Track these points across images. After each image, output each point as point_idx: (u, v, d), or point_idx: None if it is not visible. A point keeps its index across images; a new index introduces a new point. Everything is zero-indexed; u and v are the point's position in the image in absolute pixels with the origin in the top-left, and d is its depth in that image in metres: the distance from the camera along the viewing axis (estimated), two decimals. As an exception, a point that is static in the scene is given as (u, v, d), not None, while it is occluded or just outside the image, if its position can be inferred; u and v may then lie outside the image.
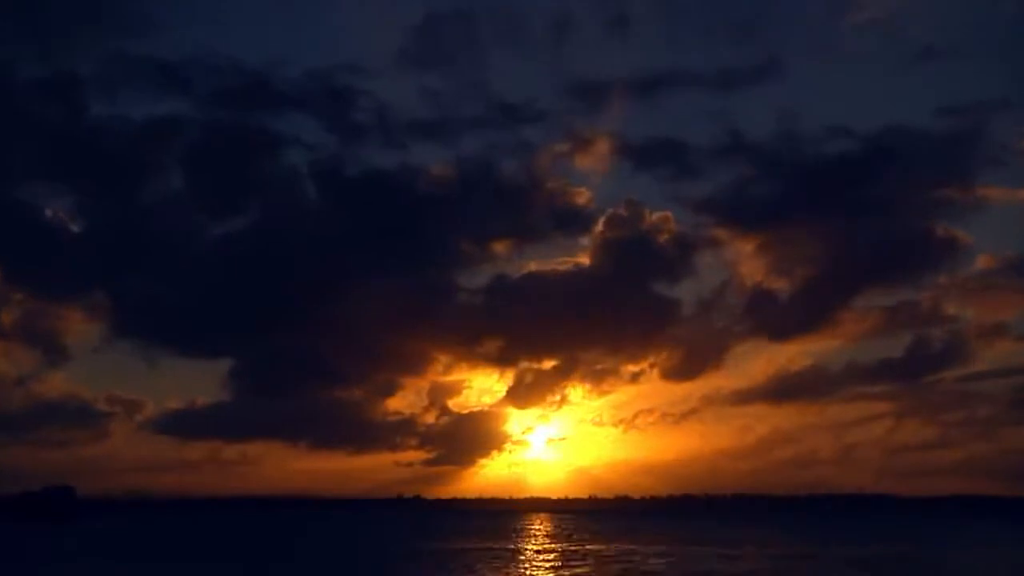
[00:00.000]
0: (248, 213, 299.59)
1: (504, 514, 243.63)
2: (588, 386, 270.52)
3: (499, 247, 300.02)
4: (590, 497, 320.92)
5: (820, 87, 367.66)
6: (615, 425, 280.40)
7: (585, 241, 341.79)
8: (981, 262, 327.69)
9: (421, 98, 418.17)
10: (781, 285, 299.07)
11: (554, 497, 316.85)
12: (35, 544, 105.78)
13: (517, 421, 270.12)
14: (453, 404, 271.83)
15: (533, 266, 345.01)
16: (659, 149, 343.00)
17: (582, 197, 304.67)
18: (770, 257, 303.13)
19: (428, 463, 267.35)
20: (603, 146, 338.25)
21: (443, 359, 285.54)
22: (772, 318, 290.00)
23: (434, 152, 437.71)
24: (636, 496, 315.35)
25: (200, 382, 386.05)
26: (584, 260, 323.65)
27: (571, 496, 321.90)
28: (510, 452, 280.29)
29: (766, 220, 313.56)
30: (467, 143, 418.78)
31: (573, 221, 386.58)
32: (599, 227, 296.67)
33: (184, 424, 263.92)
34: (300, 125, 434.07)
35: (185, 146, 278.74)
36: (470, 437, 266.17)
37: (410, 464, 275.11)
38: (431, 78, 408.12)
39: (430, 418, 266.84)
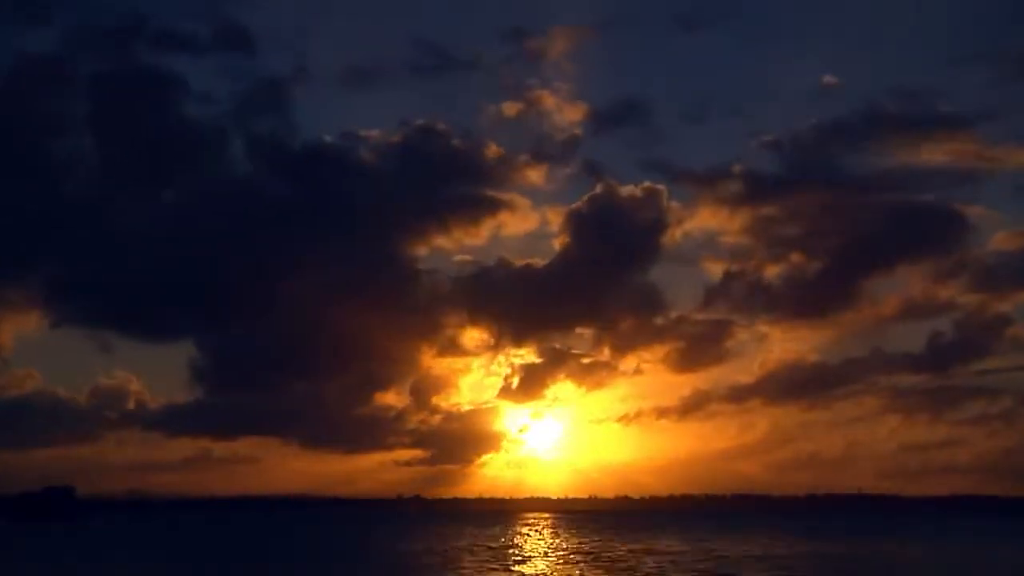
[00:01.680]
0: (174, 183, 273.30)
1: (503, 514, 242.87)
2: (582, 381, 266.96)
3: (457, 227, 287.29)
4: (590, 497, 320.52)
5: (803, 35, 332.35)
6: (614, 422, 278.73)
7: (552, 216, 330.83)
8: (997, 241, 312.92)
9: (335, 41, 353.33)
10: (778, 270, 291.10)
11: (554, 497, 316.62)
12: (35, 544, 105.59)
13: (513, 418, 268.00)
14: (446, 401, 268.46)
15: (503, 251, 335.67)
16: (622, 109, 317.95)
17: (538, 171, 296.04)
18: (764, 238, 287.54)
19: (425, 462, 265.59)
20: (553, 103, 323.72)
21: (425, 350, 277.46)
22: (769, 306, 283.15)
23: (364, 108, 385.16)
24: (636, 496, 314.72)
25: (161, 367, 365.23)
26: (556, 242, 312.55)
27: (571, 496, 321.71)
28: (507, 452, 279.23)
29: (753, 195, 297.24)
30: (400, 98, 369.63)
31: (536, 194, 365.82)
32: (572, 205, 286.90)
33: (170, 420, 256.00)
34: (205, 75, 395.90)
35: (75, 99, 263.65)
36: (466, 436, 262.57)
37: (408, 463, 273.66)
38: (337, 15, 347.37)
39: (423, 416, 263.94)
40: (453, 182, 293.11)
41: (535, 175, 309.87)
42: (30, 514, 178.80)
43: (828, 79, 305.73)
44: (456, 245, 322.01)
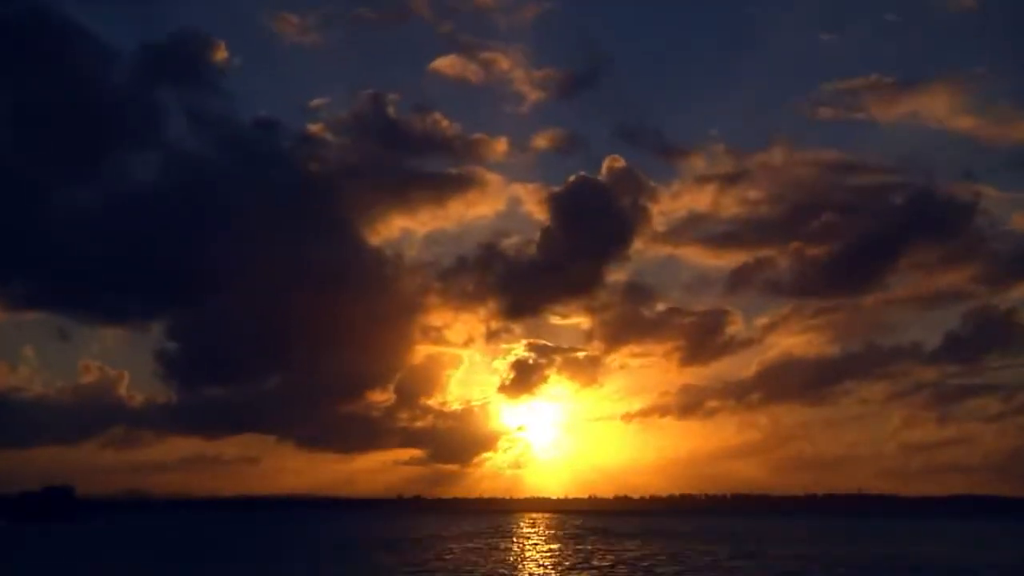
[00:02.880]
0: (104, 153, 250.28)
1: (502, 515, 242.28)
2: (577, 377, 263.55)
3: (424, 208, 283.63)
4: (590, 497, 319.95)
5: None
6: (611, 420, 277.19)
7: (522, 193, 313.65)
8: (1015, 222, 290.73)
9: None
10: (773, 257, 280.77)
11: (554, 497, 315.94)
12: (35, 544, 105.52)
13: (510, 417, 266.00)
14: (441, 400, 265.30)
15: (477, 234, 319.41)
16: (590, 72, 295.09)
17: (502, 144, 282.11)
18: (755, 222, 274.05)
19: (424, 462, 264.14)
20: (508, 65, 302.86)
21: (415, 345, 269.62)
22: (762, 297, 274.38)
23: (300, 72, 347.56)
24: (636, 496, 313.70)
25: (126, 353, 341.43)
26: (536, 226, 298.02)
27: (571, 496, 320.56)
28: (505, 451, 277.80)
29: (741, 172, 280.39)
30: (339, 59, 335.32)
31: (504, 169, 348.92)
32: (548, 185, 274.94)
33: (157, 418, 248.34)
34: (104, 25, 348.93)
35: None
36: (463, 435, 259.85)
37: (407, 463, 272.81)
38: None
39: (418, 415, 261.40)
40: (416, 159, 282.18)
41: (500, 149, 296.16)
42: (30, 514, 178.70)
43: (825, 37, 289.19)
44: (424, 227, 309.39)
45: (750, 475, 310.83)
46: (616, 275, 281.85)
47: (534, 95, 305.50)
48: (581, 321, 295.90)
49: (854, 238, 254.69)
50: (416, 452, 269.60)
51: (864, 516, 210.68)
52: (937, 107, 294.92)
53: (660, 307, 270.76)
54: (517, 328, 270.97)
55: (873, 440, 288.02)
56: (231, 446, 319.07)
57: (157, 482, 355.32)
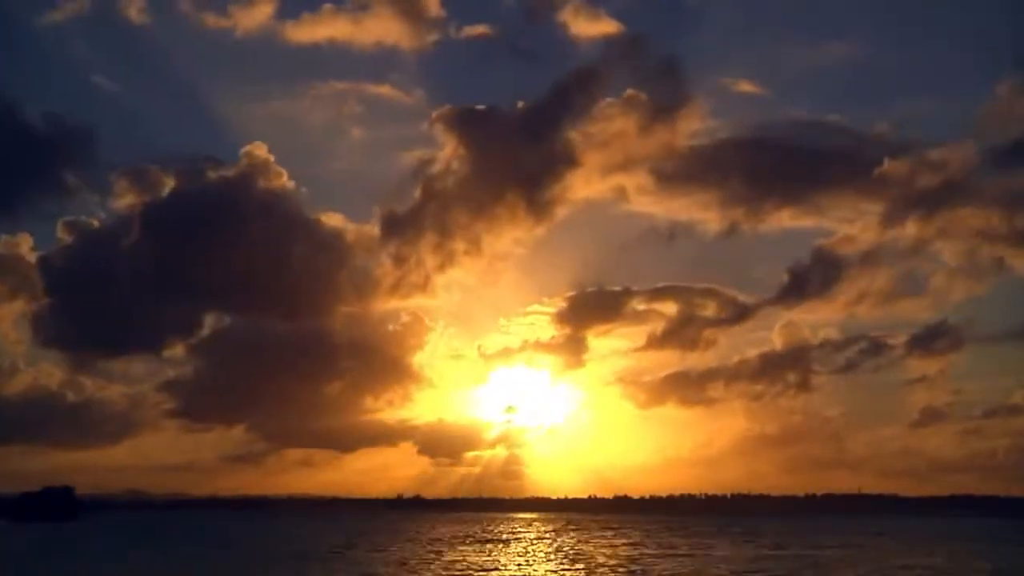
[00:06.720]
0: None
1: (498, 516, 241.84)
2: (559, 360, 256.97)
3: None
4: (590, 497, 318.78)
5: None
6: (606, 414, 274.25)
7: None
8: None
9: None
10: (747, 220, 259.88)
11: (554, 497, 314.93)
12: (35, 544, 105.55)
13: (506, 415, 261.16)
14: (437, 398, 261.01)
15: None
16: None
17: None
18: (731, 173, 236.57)
19: (422, 462, 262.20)
20: None
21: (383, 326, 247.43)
22: (742, 276, 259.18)
23: None
24: (636, 496, 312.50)
25: None
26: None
27: (571, 496, 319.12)
28: (503, 450, 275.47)
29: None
30: None
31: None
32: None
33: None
34: None
35: None
36: (460, 434, 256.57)
37: (405, 462, 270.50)
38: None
39: (413, 415, 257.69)
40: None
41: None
42: (30, 514, 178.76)
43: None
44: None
45: (750, 475, 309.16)
46: (559, 212, 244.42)
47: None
48: (553, 300, 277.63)
49: (853, 203, 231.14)
50: (413, 452, 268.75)
51: (864, 516, 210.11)
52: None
53: (639, 283, 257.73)
54: (471, 297, 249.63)
55: (873, 438, 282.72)
56: (224, 446, 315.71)
57: (157, 482, 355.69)
